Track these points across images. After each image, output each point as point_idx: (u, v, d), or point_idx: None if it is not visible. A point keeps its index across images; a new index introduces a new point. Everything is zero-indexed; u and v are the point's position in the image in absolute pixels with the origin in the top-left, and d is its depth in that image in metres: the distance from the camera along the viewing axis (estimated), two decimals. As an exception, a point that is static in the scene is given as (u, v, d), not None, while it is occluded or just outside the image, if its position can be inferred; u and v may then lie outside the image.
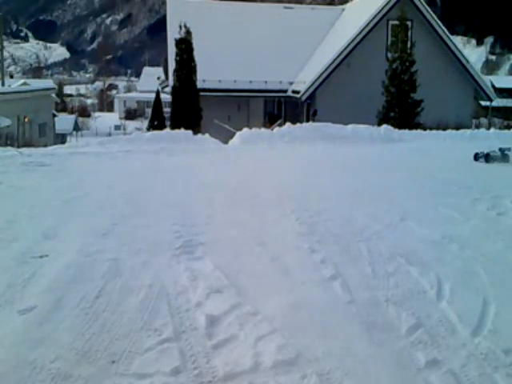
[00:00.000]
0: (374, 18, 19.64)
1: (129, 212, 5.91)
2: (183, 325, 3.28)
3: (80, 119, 56.03)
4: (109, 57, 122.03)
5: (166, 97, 23.72)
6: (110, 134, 42.69)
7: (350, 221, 5.61)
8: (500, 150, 9.78)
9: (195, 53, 17.27)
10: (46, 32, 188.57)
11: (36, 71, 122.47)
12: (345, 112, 16.32)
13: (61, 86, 75.29)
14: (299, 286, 3.87)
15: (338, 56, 19.56)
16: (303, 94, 19.68)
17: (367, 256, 4.51)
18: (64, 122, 43.09)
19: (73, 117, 52.50)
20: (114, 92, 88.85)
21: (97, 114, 68.79)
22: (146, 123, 38.07)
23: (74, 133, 47.56)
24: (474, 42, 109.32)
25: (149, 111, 41.79)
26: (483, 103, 25.35)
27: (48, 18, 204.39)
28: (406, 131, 13.71)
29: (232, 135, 12.89)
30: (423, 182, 7.94)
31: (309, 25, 22.75)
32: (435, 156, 10.89)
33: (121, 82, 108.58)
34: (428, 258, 4.47)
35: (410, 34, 18.11)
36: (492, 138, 13.34)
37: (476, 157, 9.75)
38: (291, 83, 20.98)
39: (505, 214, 6.00)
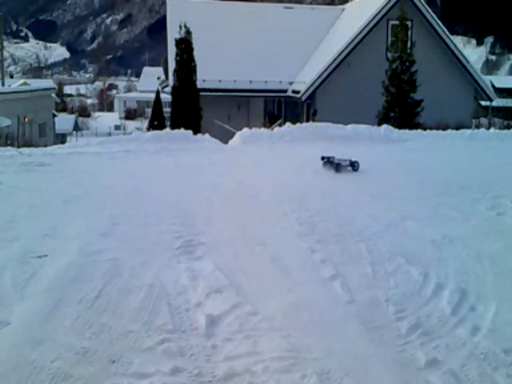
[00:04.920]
0: (374, 17, 19.63)
1: (129, 212, 5.91)
2: (183, 325, 3.28)
3: (80, 119, 56.05)
4: (109, 57, 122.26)
5: (166, 97, 23.69)
6: (110, 134, 42.67)
7: (350, 221, 5.61)
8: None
9: (195, 53, 17.26)
10: (46, 32, 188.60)
11: (36, 71, 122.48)
12: (345, 112, 16.30)
13: (61, 86, 75.28)
14: (299, 286, 3.87)
15: (338, 56, 19.55)
16: (303, 93, 19.67)
17: (367, 256, 4.51)
18: (64, 121, 43.10)
19: (73, 117, 52.51)
20: (114, 92, 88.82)
21: (97, 113, 68.78)
22: (146, 123, 38.03)
23: (74, 133, 47.59)
24: (474, 41, 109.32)
25: (149, 111, 41.78)
26: (483, 103, 25.33)
27: (48, 18, 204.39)
28: (406, 131, 13.70)
29: (232, 135, 12.88)
30: (423, 181, 7.93)
31: (309, 25, 22.74)
32: (435, 156, 10.88)
33: (121, 82, 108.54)
34: (428, 258, 4.47)
35: (410, 33, 18.08)
36: (492, 138, 13.35)
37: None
38: (291, 83, 20.97)
39: (505, 213, 6.00)
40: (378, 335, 3.18)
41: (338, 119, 13.30)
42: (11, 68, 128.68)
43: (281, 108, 24.52)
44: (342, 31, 21.38)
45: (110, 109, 75.58)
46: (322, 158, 8.88)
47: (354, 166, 8.75)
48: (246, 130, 12.68)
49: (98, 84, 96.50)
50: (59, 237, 4.94)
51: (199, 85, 17.70)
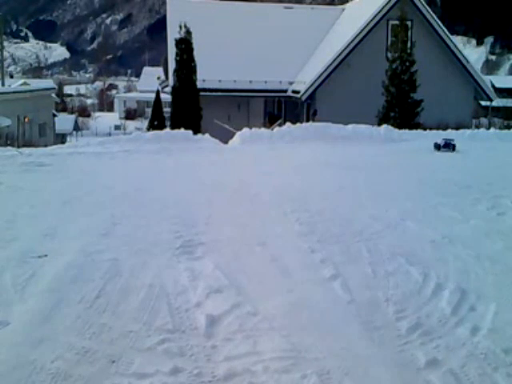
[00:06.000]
0: (374, 17, 19.62)
1: (129, 212, 5.91)
2: (183, 325, 3.28)
3: (80, 119, 55.99)
4: (109, 57, 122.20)
5: (166, 97, 23.68)
6: (109, 134, 42.66)
7: (349, 221, 5.61)
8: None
9: (195, 53, 17.26)
10: (46, 32, 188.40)
11: (36, 71, 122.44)
12: (345, 112, 16.30)
13: (61, 86, 75.20)
14: (299, 286, 3.87)
15: (338, 56, 19.55)
16: (303, 93, 19.67)
17: (367, 256, 4.50)
18: (64, 121, 43.05)
19: (73, 117, 52.46)
20: (114, 92, 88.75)
21: (97, 113, 68.74)
22: (145, 123, 37.99)
23: (74, 133, 47.55)
24: (474, 42, 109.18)
25: (149, 111, 41.73)
26: (483, 103, 25.35)
27: (48, 18, 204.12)
28: (406, 131, 13.71)
29: (232, 135, 12.89)
30: (423, 181, 7.93)
31: (309, 25, 22.74)
32: (435, 155, 10.87)
33: (121, 82, 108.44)
34: (428, 258, 4.47)
35: (410, 34, 18.08)
36: (492, 138, 13.34)
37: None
38: (291, 83, 20.97)
39: (505, 213, 6.00)
40: (377, 335, 3.18)
41: (338, 119, 13.30)
42: (11, 68, 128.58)
43: (281, 108, 24.52)
44: (342, 31, 21.37)
45: (110, 109, 75.52)
46: (442, 141, 11.39)
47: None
48: (245, 130, 12.69)
49: (98, 84, 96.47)
50: (59, 237, 4.94)
51: (199, 85, 17.70)
